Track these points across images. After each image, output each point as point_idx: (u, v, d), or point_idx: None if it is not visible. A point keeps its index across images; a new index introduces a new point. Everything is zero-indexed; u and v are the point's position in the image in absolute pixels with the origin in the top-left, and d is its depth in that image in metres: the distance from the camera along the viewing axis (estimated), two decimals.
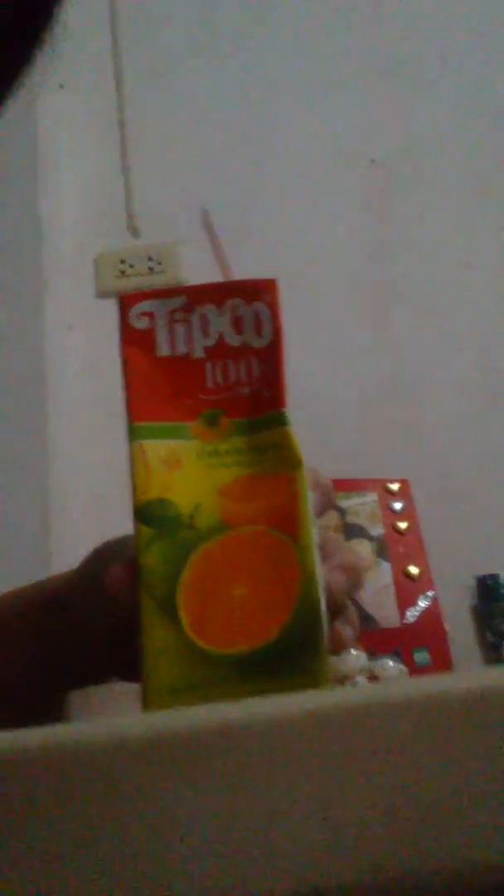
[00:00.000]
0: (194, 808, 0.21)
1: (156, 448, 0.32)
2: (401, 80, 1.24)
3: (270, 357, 0.33)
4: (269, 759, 0.21)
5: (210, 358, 0.33)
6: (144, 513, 0.32)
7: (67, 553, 1.02)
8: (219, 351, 0.33)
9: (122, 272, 1.22)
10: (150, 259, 1.21)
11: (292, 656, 0.29)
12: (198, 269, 1.19)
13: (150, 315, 0.33)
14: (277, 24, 1.27)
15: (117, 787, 0.21)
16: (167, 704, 0.28)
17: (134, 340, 0.33)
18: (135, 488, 0.32)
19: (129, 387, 0.33)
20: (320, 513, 0.33)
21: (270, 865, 0.20)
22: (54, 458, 1.06)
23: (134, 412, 0.33)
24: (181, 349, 0.33)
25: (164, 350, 0.33)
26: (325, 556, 0.32)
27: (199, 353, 0.33)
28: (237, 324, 0.33)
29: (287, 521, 0.31)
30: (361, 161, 1.21)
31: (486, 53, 1.23)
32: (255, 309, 0.33)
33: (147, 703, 0.29)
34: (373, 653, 0.89)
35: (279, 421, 0.33)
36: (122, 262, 1.22)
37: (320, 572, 0.31)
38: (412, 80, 1.24)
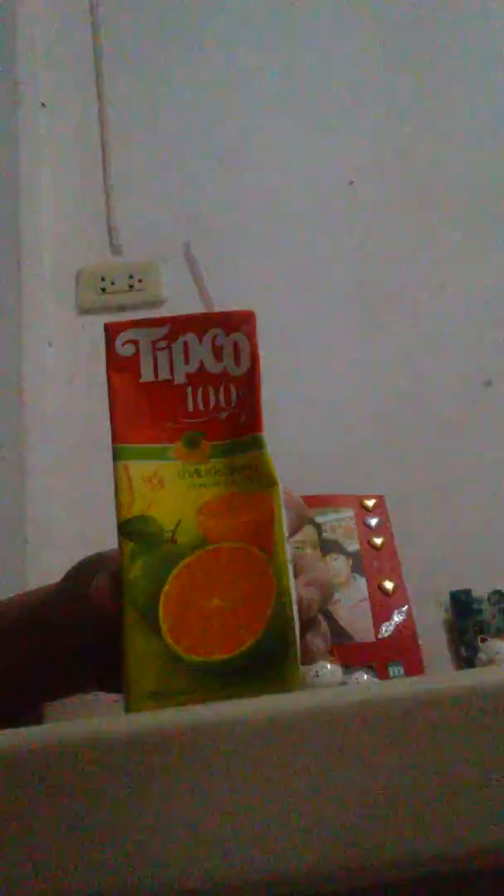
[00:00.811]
0: (166, 801, 0.22)
1: (139, 468, 0.34)
2: (377, 103, 1.27)
3: (248, 384, 0.35)
4: (236, 756, 0.22)
5: (191, 384, 0.35)
6: (128, 528, 0.33)
7: (42, 568, 1.03)
8: (199, 378, 0.35)
9: (103, 289, 1.23)
10: (130, 277, 1.23)
11: (266, 664, 0.31)
12: (177, 287, 1.21)
13: (135, 343, 0.35)
14: (259, 49, 1.30)
15: (96, 781, 0.22)
16: (148, 708, 0.30)
17: (119, 367, 0.35)
18: (119, 505, 0.34)
19: (114, 410, 0.35)
20: (294, 530, 0.35)
21: (237, 855, 0.22)
22: (31, 472, 1.07)
23: (119, 434, 0.35)
24: (164, 375, 0.35)
25: (147, 376, 0.35)
26: (298, 572, 0.34)
27: (180, 379, 0.35)
28: (217, 352, 0.35)
29: (262, 538, 0.33)
30: (340, 182, 1.23)
31: (460, 76, 1.27)
32: (234, 339, 0.35)
33: (129, 707, 0.31)
34: (348, 667, 0.91)
35: (256, 444, 0.35)
36: (103, 279, 1.23)
37: (293, 586, 0.33)
38: (389, 102, 1.26)
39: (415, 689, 0.23)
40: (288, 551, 0.33)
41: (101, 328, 1.20)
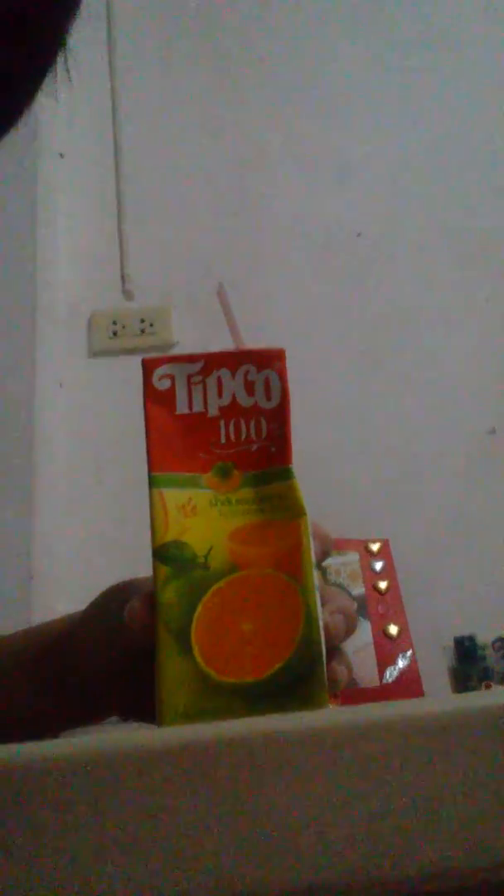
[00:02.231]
0: (198, 812, 0.23)
1: (174, 495, 0.35)
2: (385, 158, 1.31)
3: (278, 418, 0.37)
4: (266, 770, 0.23)
5: (224, 416, 0.37)
6: (163, 553, 0.34)
7: (49, 606, 1.03)
8: (232, 411, 0.37)
9: (115, 332, 1.26)
10: (142, 321, 1.26)
11: (294, 687, 0.32)
12: (187, 332, 1.24)
13: (171, 377, 0.37)
14: (271, 102, 1.35)
15: (129, 792, 0.23)
16: None
17: (156, 399, 0.37)
18: (154, 531, 0.35)
19: (150, 440, 0.36)
20: (319, 560, 0.36)
21: (266, 865, 0.23)
22: (40, 512, 1.08)
23: (155, 463, 0.36)
24: (198, 408, 0.37)
25: (182, 408, 0.37)
26: (325, 601, 0.35)
27: (214, 411, 0.37)
28: (249, 387, 0.37)
29: (291, 565, 0.34)
30: (348, 234, 1.27)
31: (466, 131, 1.31)
32: (265, 375, 0.37)
33: (162, 727, 0.32)
34: None
35: (286, 475, 0.36)
36: (115, 322, 1.26)
37: (321, 612, 0.34)
38: (396, 158, 1.30)
39: (452, 707, 0.24)
40: (316, 578, 0.34)
41: (111, 370, 1.21)
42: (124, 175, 1.32)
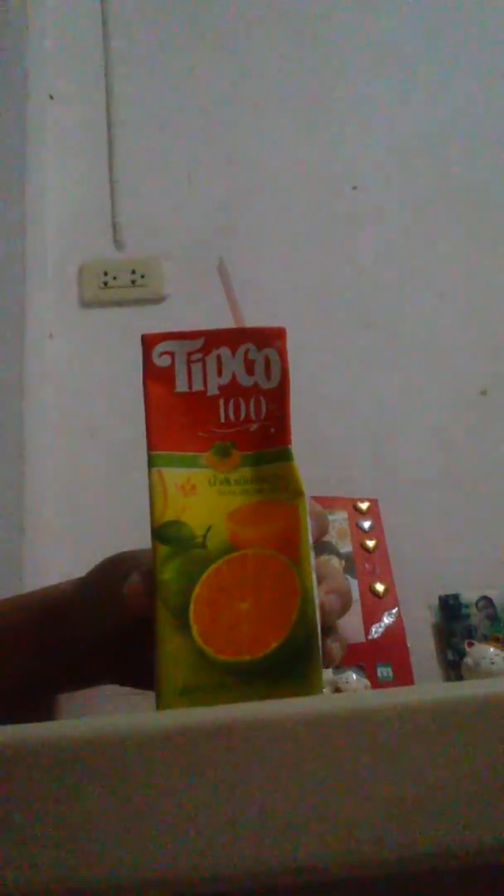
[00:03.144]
0: (198, 795, 0.24)
1: (173, 475, 0.35)
2: (383, 110, 1.28)
3: (278, 397, 0.37)
4: (266, 755, 0.24)
5: (223, 395, 0.36)
6: (162, 533, 0.35)
7: (41, 560, 1.04)
8: (231, 390, 0.36)
9: (105, 283, 1.24)
10: (133, 272, 1.24)
11: (290, 665, 0.33)
12: (179, 284, 1.22)
13: (171, 354, 0.36)
14: (268, 50, 1.31)
15: (131, 775, 0.24)
16: (178, 705, 0.32)
17: (155, 377, 0.36)
18: (153, 510, 0.35)
19: (150, 418, 0.36)
20: (316, 539, 0.36)
21: (264, 847, 0.24)
22: (31, 466, 1.08)
23: (154, 442, 0.36)
24: (197, 386, 0.36)
25: (182, 387, 0.36)
26: (321, 580, 0.36)
27: (213, 390, 0.36)
28: (249, 366, 0.36)
29: (288, 545, 0.34)
30: (343, 187, 1.25)
31: (464, 82, 1.28)
32: (265, 354, 0.36)
33: (160, 703, 0.33)
34: (338, 666, 0.93)
35: (285, 456, 0.36)
36: (106, 273, 1.24)
37: (317, 592, 0.34)
38: (394, 110, 1.28)
39: (448, 694, 0.24)
40: (312, 559, 0.35)
41: (102, 321, 1.20)
42: (116, 120, 1.29)
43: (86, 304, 1.23)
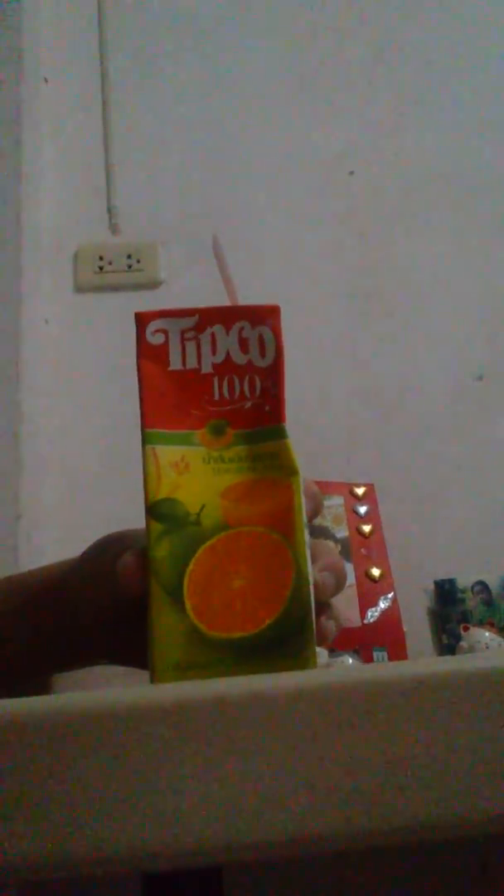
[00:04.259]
0: (192, 768, 0.24)
1: (167, 452, 0.35)
2: (379, 93, 1.27)
3: (272, 375, 0.37)
4: (256, 727, 0.24)
5: (217, 373, 0.36)
6: (155, 510, 0.35)
7: (37, 545, 1.04)
8: (225, 368, 0.36)
9: (101, 268, 1.23)
10: (128, 257, 1.23)
11: (283, 642, 0.33)
12: (175, 269, 1.22)
13: (165, 332, 0.36)
14: (261, 31, 1.30)
15: (127, 747, 0.24)
16: (172, 679, 0.32)
17: (149, 355, 0.36)
18: (147, 488, 0.35)
19: (143, 397, 0.36)
20: (310, 518, 0.36)
21: (255, 818, 0.24)
22: (26, 451, 1.08)
23: (148, 420, 0.36)
24: (192, 364, 0.36)
25: (176, 364, 0.36)
26: (315, 558, 0.35)
27: (207, 368, 0.36)
28: (243, 344, 0.36)
29: (282, 523, 0.34)
30: (340, 172, 1.24)
31: (466, 69, 1.28)
32: (259, 332, 0.36)
33: (155, 679, 0.33)
34: (334, 650, 0.93)
35: (279, 434, 0.36)
36: (101, 258, 1.24)
37: (310, 571, 0.34)
38: (390, 93, 1.27)
39: (437, 668, 0.25)
40: (306, 537, 0.35)
41: (97, 307, 1.19)
42: (112, 103, 1.28)
43: (81, 289, 1.22)
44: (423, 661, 0.27)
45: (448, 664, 0.26)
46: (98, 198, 1.25)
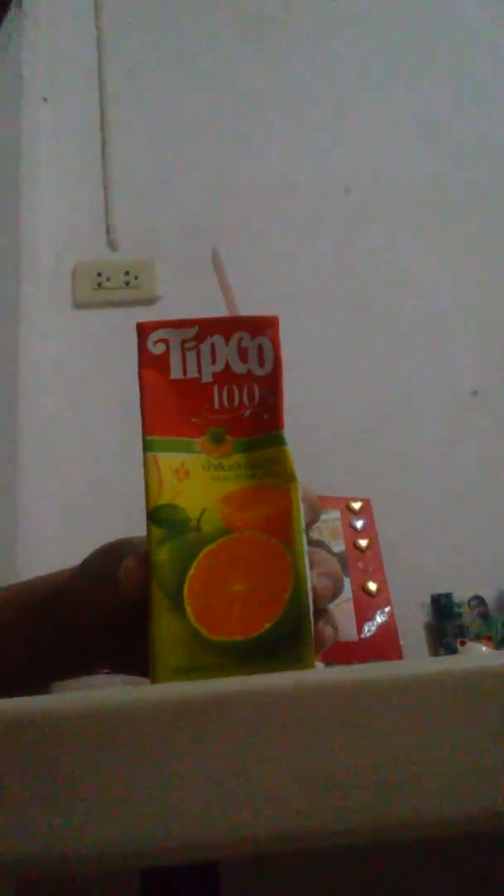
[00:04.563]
0: (188, 764, 0.24)
1: (167, 459, 0.36)
2: (374, 111, 1.29)
3: (271, 384, 0.37)
4: (253, 725, 0.25)
5: (217, 382, 0.37)
6: (156, 515, 0.35)
7: (35, 560, 1.04)
8: (225, 377, 0.37)
9: (99, 284, 1.24)
10: (126, 273, 1.24)
11: (283, 645, 0.33)
12: (173, 285, 1.23)
13: (166, 342, 0.37)
14: (259, 53, 1.32)
15: (127, 745, 0.24)
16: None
17: (150, 364, 0.37)
18: (148, 493, 0.36)
19: (144, 404, 0.37)
20: (309, 524, 0.37)
21: (252, 814, 0.24)
22: (25, 465, 1.08)
23: (149, 427, 0.37)
24: (192, 373, 0.37)
25: (176, 373, 0.37)
26: (313, 564, 0.36)
27: (207, 377, 0.37)
28: (242, 354, 0.37)
29: (281, 529, 0.35)
30: (337, 189, 1.26)
31: (461, 87, 1.29)
32: (258, 342, 0.37)
33: (155, 682, 0.33)
34: (330, 664, 0.93)
35: (277, 441, 0.37)
36: (99, 274, 1.25)
37: (309, 575, 0.35)
38: (385, 111, 1.29)
39: (433, 668, 0.25)
40: (305, 542, 0.35)
41: (95, 322, 1.20)
42: (110, 121, 1.30)
43: (79, 304, 1.23)
44: (419, 661, 0.27)
45: (442, 664, 0.26)
46: (96, 215, 1.26)
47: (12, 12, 1.25)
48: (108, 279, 1.24)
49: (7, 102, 1.23)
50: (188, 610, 0.34)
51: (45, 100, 1.32)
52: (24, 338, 1.13)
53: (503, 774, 0.24)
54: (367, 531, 1.05)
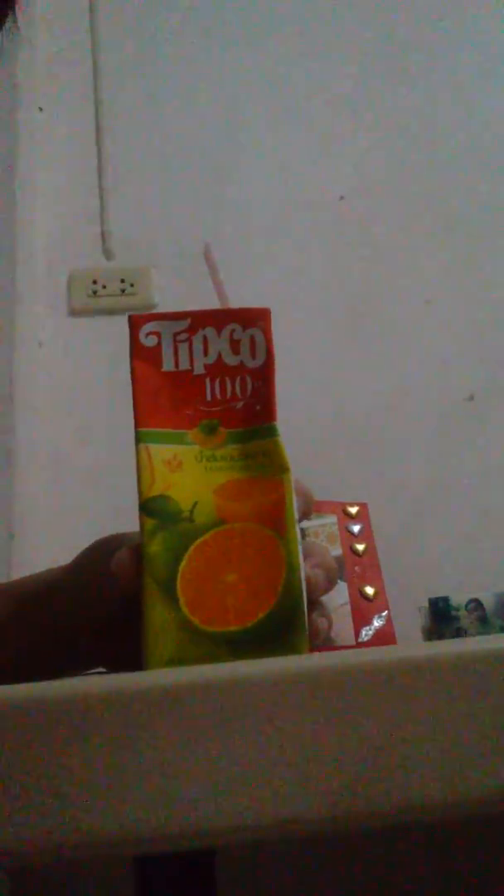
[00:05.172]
0: (181, 751, 0.24)
1: (159, 451, 0.36)
2: (368, 118, 1.30)
3: (263, 376, 0.37)
4: (246, 711, 0.24)
5: (209, 374, 0.37)
6: (149, 507, 0.35)
7: (30, 565, 1.03)
8: (217, 369, 0.37)
9: (95, 292, 1.25)
10: (122, 281, 1.25)
11: (276, 635, 0.33)
12: (169, 293, 1.23)
13: (158, 334, 0.37)
14: (255, 61, 1.33)
15: (117, 731, 0.24)
16: None
17: (142, 356, 0.37)
18: (140, 485, 0.36)
19: (137, 396, 0.37)
20: (302, 516, 0.37)
21: (244, 801, 0.24)
22: (21, 472, 1.08)
23: (141, 419, 0.37)
24: (184, 365, 0.37)
25: (168, 365, 0.37)
26: (306, 556, 0.36)
27: (199, 369, 0.37)
28: (234, 346, 0.37)
29: (274, 519, 0.35)
30: (331, 197, 1.26)
31: (455, 95, 1.30)
32: (250, 334, 0.37)
33: None
34: None
35: (270, 432, 0.37)
36: (95, 282, 1.25)
37: (302, 566, 0.35)
38: (379, 118, 1.30)
39: (423, 653, 0.25)
40: (298, 533, 0.35)
41: (91, 330, 1.20)
42: (105, 130, 1.30)
43: (75, 312, 1.23)
44: (409, 645, 0.27)
45: (433, 648, 0.26)
46: (92, 223, 1.26)
47: (7, 22, 1.26)
48: (104, 287, 1.25)
49: (2, 112, 1.24)
50: (181, 601, 0.33)
51: (40, 109, 1.33)
52: (20, 345, 1.14)
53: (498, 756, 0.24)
54: (364, 535, 1.04)
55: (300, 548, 0.35)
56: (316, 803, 0.24)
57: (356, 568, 1.02)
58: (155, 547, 0.34)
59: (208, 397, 0.37)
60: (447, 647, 0.25)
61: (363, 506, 1.07)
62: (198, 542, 0.35)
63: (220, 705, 0.24)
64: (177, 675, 0.25)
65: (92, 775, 0.24)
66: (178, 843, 0.23)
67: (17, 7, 0.36)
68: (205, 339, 0.37)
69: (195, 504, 0.35)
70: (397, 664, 0.25)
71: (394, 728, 0.24)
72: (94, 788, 0.24)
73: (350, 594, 1.00)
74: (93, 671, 0.46)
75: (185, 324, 0.37)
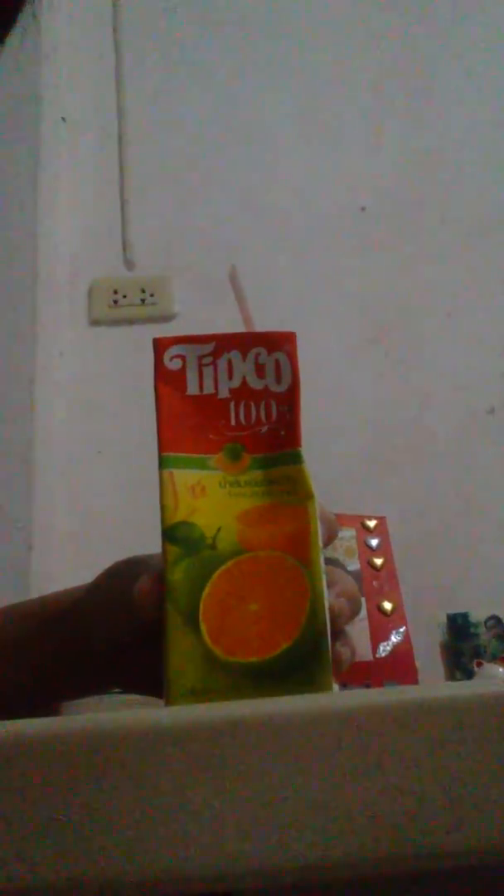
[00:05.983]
0: (204, 790, 0.24)
1: (183, 476, 0.36)
2: (389, 129, 1.29)
3: (288, 401, 0.37)
4: (270, 750, 0.24)
5: (234, 399, 0.37)
6: (172, 533, 0.35)
7: (49, 576, 1.04)
8: (242, 393, 0.37)
9: (115, 302, 1.25)
10: (143, 291, 1.25)
11: (299, 667, 0.33)
12: (189, 303, 1.23)
13: (182, 357, 0.37)
14: (273, 70, 1.33)
15: (139, 769, 0.24)
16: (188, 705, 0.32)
17: (167, 380, 0.37)
18: (164, 511, 0.35)
19: (161, 421, 0.36)
20: (326, 543, 0.36)
21: (268, 844, 0.23)
22: (40, 483, 1.08)
23: (165, 443, 0.36)
24: (208, 389, 0.37)
25: (193, 389, 0.37)
26: (330, 584, 0.35)
27: (224, 393, 0.37)
28: (259, 370, 0.37)
29: (298, 548, 0.34)
30: (352, 208, 1.26)
31: (474, 104, 1.29)
32: (275, 357, 0.37)
33: (169, 703, 0.32)
34: (346, 685, 0.92)
35: (295, 458, 0.36)
36: (116, 292, 1.25)
37: (326, 595, 0.34)
38: (400, 129, 1.29)
39: (448, 693, 0.24)
40: (322, 562, 0.35)
41: (111, 340, 1.21)
42: (127, 141, 1.31)
43: (96, 322, 1.24)
44: (435, 685, 0.27)
45: (460, 689, 0.26)
46: (113, 233, 1.27)
47: (30, 30, 1.27)
48: (125, 296, 1.25)
49: (26, 122, 1.25)
50: (203, 630, 0.33)
51: (63, 120, 1.33)
52: (41, 355, 1.14)
53: None
54: (383, 549, 1.04)
55: (324, 576, 0.35)
56: (342, 847, 0.23)
57: (374, 583, 1.01)
58: (178, 575, 0.34)
59: (233, 422, 0.37)
60: (473, 689, 0.25)
61: (381, 519, 1.06)
62: (221, 570, 0.34)
63: (241, 745, 0.24)
64: (197, 712, 0.25)
65: (108, 815, 0.23)
66: (201, 887, 0.23)
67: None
68: (229, 362, 0.37)
69: (218, 530, 0.35)
70: (425, 704, 0.24)
71: (423, 771, 0.24)
72: (111, 828, 0.23)
73: (368, 609, 0.99)
74: (111, 692, 0.45)
75: (210, 347, 0.37)
